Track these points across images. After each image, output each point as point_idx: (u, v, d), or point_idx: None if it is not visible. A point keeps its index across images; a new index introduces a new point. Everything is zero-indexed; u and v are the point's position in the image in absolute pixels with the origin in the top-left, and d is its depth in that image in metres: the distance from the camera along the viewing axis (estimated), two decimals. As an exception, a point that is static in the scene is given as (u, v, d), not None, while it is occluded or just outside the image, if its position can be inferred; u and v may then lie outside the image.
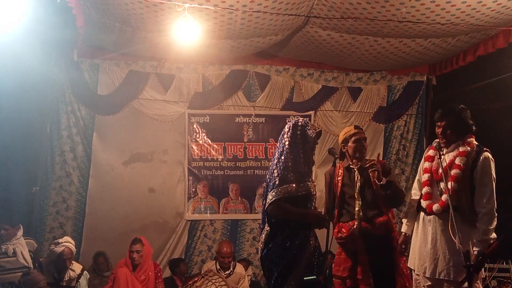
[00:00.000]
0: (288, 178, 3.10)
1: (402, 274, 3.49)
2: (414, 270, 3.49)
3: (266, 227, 3.22)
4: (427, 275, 3.22)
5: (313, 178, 3.83)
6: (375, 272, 3.47)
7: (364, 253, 3.46)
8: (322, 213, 3.30)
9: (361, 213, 3.51)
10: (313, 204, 3.23)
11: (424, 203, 3.33)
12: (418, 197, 3.52)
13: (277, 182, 3.09)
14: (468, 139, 3.26)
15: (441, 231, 3.20)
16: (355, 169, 3.64)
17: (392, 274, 3.48)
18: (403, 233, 3.52)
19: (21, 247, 4.67)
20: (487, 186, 3.12)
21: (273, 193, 3.09)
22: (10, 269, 4.58)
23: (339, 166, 3.76)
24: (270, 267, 3.14)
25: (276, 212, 3.12)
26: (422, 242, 3.30)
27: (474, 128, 3.29)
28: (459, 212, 3.12)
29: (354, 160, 3.67)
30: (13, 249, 4.73)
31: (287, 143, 3.20)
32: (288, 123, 3.29)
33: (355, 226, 3.51)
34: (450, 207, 3.00)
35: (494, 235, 3.06)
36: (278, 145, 3.28)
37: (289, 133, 3.22)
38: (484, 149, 3.21)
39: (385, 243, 3.52)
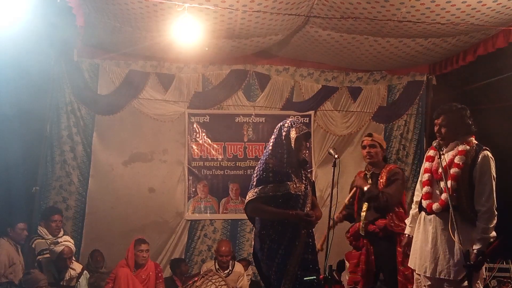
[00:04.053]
0: (266, 179, 3.13)
1: (403, 275, 3.65)
2: (415, 270, 3.50)
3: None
4: (428, 274, 3.22)
5: (312, 177, 3.86)
6: (378, 272, 3.79)
7: (365, 253, 3.75)
8: (308, 213, 3.17)
9: (365, 215, 3.82)
10: (301, 204, 3.19)
11: (424, 203, 3.32)
12: (420, 198, 3.52)
13: (254, 183, 3.17)
14: (468, 139, 3.24)
15: (441, 230, 3.19)
16: (368, 174, 3.95)
17: (394, 276, 3.67)
18: (406, 235, 3.55)
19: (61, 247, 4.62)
20: (486, 184, 3.11)
21: (250, 194, 3.16)
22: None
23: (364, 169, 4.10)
24: (266, 271, 3.16)
25: (253, 212, 3.21)
26: (423, 241, 3.30)
27: (474, 128, 3.27)
28: (459, 211, 3.11)
29: (368, 166, 4.00)
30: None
31: (271, 143, 3.28)
32: (279, 124, 3.34)
33: (361, 227, 3.82)
34: (450, 206, 2.99)
35: (494, 233, 3.06)
36: None
37: (275, 134, 3.29)
38: (484, 148, 3.19)
39: (388, 245, 3.71)
